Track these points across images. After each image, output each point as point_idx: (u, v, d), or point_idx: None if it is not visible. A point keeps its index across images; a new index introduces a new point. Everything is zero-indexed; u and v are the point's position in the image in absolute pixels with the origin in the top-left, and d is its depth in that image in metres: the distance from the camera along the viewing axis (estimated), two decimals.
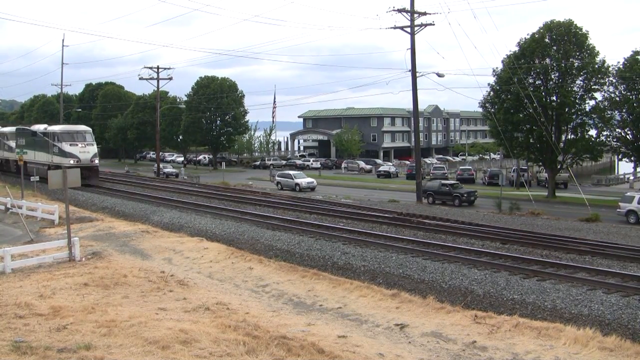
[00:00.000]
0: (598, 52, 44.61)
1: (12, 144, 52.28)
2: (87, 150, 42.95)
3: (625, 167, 75.91)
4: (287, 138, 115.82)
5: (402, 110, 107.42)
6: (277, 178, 52.45)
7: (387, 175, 69.93)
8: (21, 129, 52.65)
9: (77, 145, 42.77)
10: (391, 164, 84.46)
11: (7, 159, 54.56)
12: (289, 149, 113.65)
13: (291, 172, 53.53)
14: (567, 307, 14.20)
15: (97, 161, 44.03)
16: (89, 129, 45.93)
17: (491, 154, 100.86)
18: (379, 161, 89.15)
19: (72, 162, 40.30)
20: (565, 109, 44.71)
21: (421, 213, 31.50)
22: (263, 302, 15.90)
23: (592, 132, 47.22)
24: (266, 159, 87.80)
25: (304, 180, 50.58)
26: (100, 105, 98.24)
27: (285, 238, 22.84)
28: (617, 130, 45.31)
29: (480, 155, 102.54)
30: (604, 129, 45.79)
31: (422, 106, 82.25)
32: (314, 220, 28.16)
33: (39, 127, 48.07)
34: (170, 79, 60.36)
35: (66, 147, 42.43)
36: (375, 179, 66.32)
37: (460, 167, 70.35)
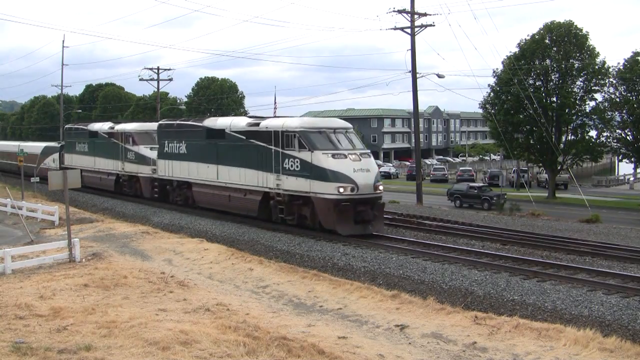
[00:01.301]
0: (598, 53, 44.83)
1: (144, 150, 33.09)
2: (365, 167, 22.09)
3: (625, 168, 76.02)
4: None
5: (402, 111, 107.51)
6: None
7: (387, 176, 70.03)
8: (178, 125, 30.40)
9: (343, 156, 21.85)
10: (391, 164, 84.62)
11: (131, 175, 34.59)
12: None
13: None
14: (568, 308, 14.20)
15: (382, 188, 22.82)
16: (349, 125, 24.55)
17: (491, 155, 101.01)
18: (379, 162, 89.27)
19: (341, 189, 21.17)
20: (565, 110, 44.79)
21: (421, 214, 31.50)
22: (263, 303, 15.90)
23: (593, 133, 47.40)
24: None
25: None
26: (101, 106, 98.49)
27: (285, 239, 22.84)
28: (617, 131, 45.42)
29: (481, 156, 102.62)
30: (604, 130, 45.90)
31: (422, 107, 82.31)
32: None
33: (236, 122, 26.25)
34: (171, 80, 60.46)
35: (327, 160, 21.60)
36: None
37: (461, 168, 70.52)
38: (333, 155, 21.70)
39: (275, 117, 27.64)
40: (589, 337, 12.54)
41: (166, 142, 30.44)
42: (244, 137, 25.09)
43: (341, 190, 21.20)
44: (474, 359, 11.82)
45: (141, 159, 33.06)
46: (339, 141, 22.59)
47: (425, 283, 16.96)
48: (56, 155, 44.11)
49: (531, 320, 13.82)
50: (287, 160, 22.71)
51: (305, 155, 22.00)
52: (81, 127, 41.41)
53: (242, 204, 25.74)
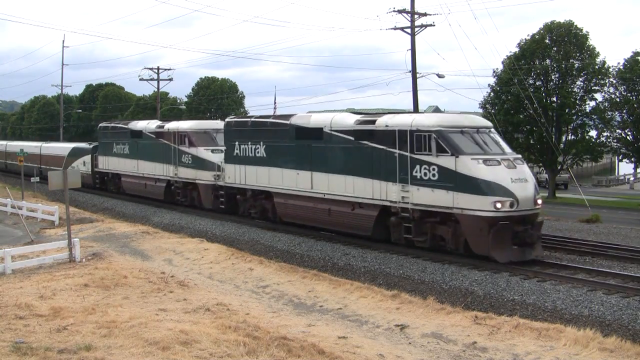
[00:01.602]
0: (598, 53, 44.72)
1: (204, 153, 28.38)
2: (522, 176, 17.82)
3: (625, 168, 75.93)
4: None
5: (403, 111, 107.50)
6: None
7: None
8: (254, 123, 25.73)
9: (496, 162, 17.63)
10: None
11: (187, 182, 29.93)
12: None
13: None
14: (568, 308, 14.20)
15: (540, 202, 18.39)
16: (490, 123, 20.74)
17: None
18: None
19: (499, 205, 16.88)
20: (565, 109, 44.76)
21: None
22: (263, 303, 15.91)
23: (593, 133, 47.32)
24: None
25: None
26: (101, 106, 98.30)
27: (285, 239, 22.83)
28: (617, 131, 45.37)
29: None
30: (604, 130, 45.84)
31: (422, 107, 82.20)
32: None
33: (340, 120, 21.55)
34: (171, 79, 60.33)
35: (478, 167, 17.31)
36: None
37: None
38: (484, 162, 17.39)
39: (395, 112, 22.61)
40: (589, 337, 12.55)
41: (237, 143, 25.62)
42: (351, 138, 20.60)
43: (498, 205, 16.87)
44: (474, 359, 11.82)
45: (200, 164, 28.37)
46: (485, 143, 18.29)
47: (425, 283, 16.96)
48: (87, 158, 39.75)
49: (531, 320, 13.82)
50: (418, 166, 18.32)
51: (445, 161, 17.66)
52: (120, 125, 36.83)
53: (349, 221, 21.20)
